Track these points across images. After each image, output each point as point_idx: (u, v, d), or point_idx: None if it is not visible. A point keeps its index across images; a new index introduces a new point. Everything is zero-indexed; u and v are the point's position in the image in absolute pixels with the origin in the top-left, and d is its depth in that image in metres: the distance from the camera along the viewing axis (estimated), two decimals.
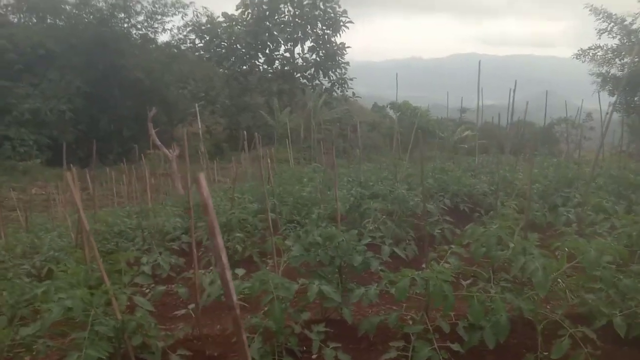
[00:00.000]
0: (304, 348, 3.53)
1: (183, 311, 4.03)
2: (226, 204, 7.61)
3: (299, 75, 39.78)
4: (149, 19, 30.05)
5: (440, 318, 3.26)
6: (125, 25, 29.63)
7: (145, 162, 8.79)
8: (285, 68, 39.05)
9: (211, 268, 4.03)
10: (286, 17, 38.66)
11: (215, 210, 6.10)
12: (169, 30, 32.67)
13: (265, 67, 40.22)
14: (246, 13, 38.35)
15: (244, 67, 39.72)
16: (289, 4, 38.31)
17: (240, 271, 3.45)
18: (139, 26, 30.29)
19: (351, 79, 39.79)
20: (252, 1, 37.96)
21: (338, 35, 38.94)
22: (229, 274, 1.69)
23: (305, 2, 38.03)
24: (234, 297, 1.76)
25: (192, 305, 3.97)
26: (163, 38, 34.82)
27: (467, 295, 3.07)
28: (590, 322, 3.39)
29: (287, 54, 39.91)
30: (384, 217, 4.87)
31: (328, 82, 39.58)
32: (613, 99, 20.45)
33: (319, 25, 38.70)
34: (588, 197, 5.56)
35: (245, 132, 16.43)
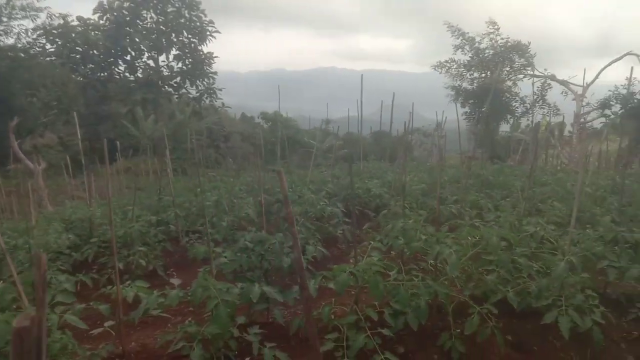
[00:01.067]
0: (236, 352, 3.58)
1: (100, 330, 3.81)
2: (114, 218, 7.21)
3: (164, 84, 38.36)
4: None
5: (368, 308, 3.53)
6: None
7: (17, 175, 7.94)
8: (150, 77, 37.37)
9: (128, 283, 3.86)
10: (149, 23, 37.10)
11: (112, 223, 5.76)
12: (17, 34, 29.54)
13: (127, 75, 38.16)
14: (104, 18, 36.08)
15: (103, 75, 37.30)
16: (151, 11, 36.83)
17: (176, 280, 3.39)
18: None
19: (220, 89, 39.35)
20: (111, 6, 35.83)
21: (205, 44, 38.33)
22: (302, 262, 1.83)
23: (169, 10, 36.84)
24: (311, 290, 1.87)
25: (108, 323, 3.79)
26: (9, 42, 31.27)
27: (394, 284, 3.37)
28: (487, 300, 3.91)
29: (151, 62, 38.30)
30: (302, 219, 5.05)
31: (196, 92, 38.71)
32: (465, 109, 22.99)
33: (185, 33, 37.72)
34: (465, 195, 6.31)
35: (117, 143, 15.52)
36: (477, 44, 22.68)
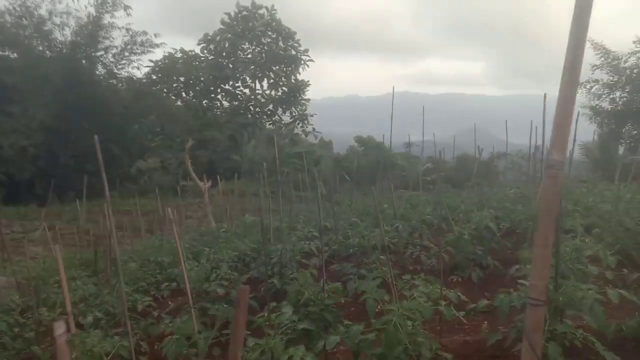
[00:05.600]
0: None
1: None
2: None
3: (259, 110, 39.93)
4: (116, 55, 29.55)
5: None
6: (91, 58, 28.89)
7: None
8: (249, 104, 39.08)
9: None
10: (248, 54, 38.96)
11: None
12: (136, 67, 32.15)
13: (226, 102, 40.10)
14: (208, 49, 38.30)
15: (203, 102, 39.35)
16: (251, 42, 38.66)
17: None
18: (105, 62, 29.66)
19: (312, 115, 40.35)
20: (214, 37, 38.02)
21: (298, 72, 39.59)
22: None
23: (266, 41, 38.55)
24: None
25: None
26: (127, 74, 34.10)
27: None
28: None
29: (247, 91, 40.00)
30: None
31: (290, 118, 39.91)
32: (598, 130, 22.15)
33: (280, 63, 39.21)
34: None
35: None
36: (620, 62, 21.90)
